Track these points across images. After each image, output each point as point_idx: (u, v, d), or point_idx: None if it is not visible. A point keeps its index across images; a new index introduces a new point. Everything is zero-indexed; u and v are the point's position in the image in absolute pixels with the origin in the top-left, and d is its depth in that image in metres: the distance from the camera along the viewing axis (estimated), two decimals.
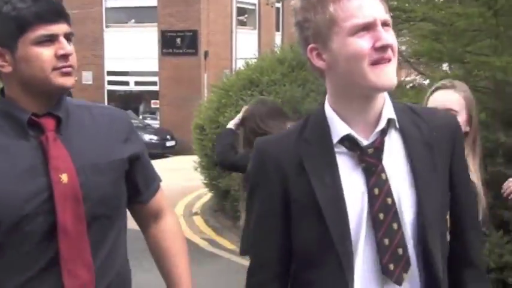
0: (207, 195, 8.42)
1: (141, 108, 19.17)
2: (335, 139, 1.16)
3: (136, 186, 1.45)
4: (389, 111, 1.16)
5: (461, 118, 1.86)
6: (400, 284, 1.13)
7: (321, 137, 1.17)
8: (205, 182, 7.75)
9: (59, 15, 1.28)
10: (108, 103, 17.04)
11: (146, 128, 16.54)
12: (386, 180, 1.14)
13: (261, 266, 1.26)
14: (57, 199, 1.24)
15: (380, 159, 1.15)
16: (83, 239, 1.28)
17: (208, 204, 8.27)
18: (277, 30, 18.91)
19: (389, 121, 1.16)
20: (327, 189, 1.15)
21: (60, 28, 1.28)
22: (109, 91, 18.28)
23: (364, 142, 1.15)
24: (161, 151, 15.00)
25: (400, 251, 1.13)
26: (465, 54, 4.51)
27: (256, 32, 18.18)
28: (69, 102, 1.38)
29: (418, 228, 1.16)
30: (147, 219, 1.53)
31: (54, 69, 1.27)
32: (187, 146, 14.30)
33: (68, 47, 1.29)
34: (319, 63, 1.15)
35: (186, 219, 7.58)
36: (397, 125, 1.17)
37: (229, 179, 6.70)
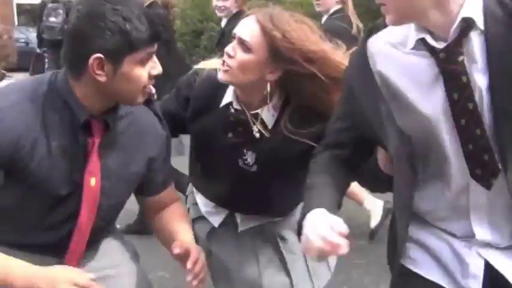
0: None
1: None
2: (410, 45, 1.10)
3: (152, 182, 1.49)
4: (468, 10, 1.03)
5: None
6: (489, 188, 1.09)
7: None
8: None
9: (158, 37, 1.27)
10: (18, 16, 17.06)
11: None
12: (467, 84, 1.04)
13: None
14: (84, 198, 1.29)
15: (456, 62, 1.05)
16: (87, 234, 1.33)
17: None
18: None
19: (468, 21, 1.03)
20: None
21: (155, 47, 1.27)
22: (18, 5, 17.80)
23: (440, 45, 1.06)
24: None
25: (486, 156, 1.07)
26: None
27: None
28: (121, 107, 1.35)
29: (497, 137, 1.07)
30: (157, 209, 1.54)
31: (144, 87, 1.27)
32: None
33: (160, 67, 1.29)
34: None
35: None
36: (482, 26, 1.03)
37: None
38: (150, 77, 1.27)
